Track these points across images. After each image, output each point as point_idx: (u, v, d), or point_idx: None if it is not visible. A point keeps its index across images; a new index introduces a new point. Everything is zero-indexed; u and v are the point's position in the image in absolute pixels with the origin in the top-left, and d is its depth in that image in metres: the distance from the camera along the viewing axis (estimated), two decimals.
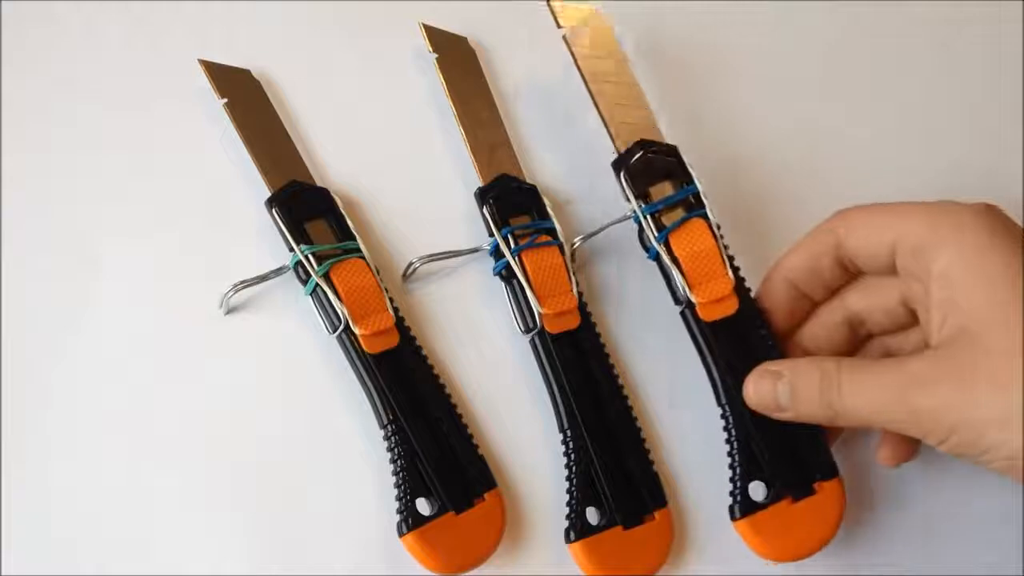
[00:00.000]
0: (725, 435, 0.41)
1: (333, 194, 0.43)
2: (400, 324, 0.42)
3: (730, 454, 0.40)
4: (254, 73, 0.46)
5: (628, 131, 0.43)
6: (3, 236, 0.43)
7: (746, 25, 0.51)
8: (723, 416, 0.41)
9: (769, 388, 0.37)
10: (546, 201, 0.44)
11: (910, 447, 0.40)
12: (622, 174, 0.43)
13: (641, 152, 0.42)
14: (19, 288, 0.43)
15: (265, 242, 0.43)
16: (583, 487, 0.41)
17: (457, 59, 0.47)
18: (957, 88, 0.50)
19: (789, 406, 0.37)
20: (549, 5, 0.44)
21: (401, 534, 0.39)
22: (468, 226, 0.45)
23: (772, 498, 0.40)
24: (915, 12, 0.51)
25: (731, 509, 0.40)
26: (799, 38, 0.51)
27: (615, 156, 0.43)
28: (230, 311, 0.43)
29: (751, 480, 0.40)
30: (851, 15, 0.51)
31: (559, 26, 0.44)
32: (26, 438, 0.41)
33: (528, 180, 0.45)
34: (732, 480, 0.40)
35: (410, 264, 0.43)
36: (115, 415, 0.41)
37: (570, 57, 0.44)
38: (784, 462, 0.40)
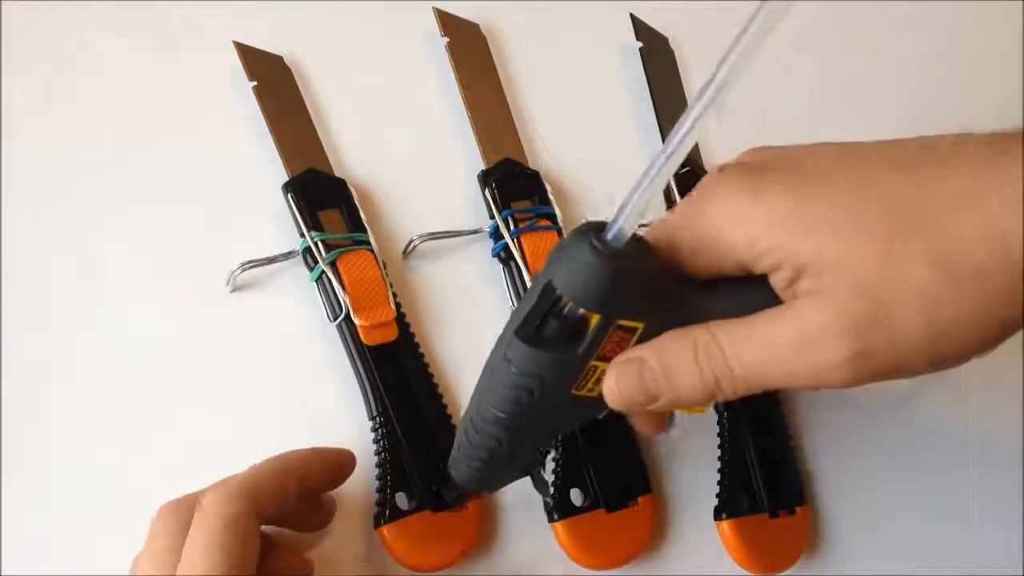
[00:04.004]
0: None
1: (349, 185, 0.44)
2: (400, 320, 0.42)
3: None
4: (287, 60, 0.46)
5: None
6: (17, 204, 0.44)
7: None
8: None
9: (635, 379, 0.30)
10: (548, 187, 0.45)
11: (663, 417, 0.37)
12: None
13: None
14: (28, 255, 0.43)
15: (280, 225, 0.44)
16: (568, 468, 0.42)
17: (468, 44, 0.48)
18: None
19: (664, 391, 0.30)
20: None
21: (377, 525, 0.40)
22: (475, 212, 0.46)
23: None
24: None
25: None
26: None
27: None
28: (236, 289, 0.43)
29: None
30: None
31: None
32: (27, 406, 0.41)
33: (531, 166, 0.46)
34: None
35: (411, 241, 0.44)
36: (113, 387, 0.42)
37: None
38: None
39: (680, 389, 0.30)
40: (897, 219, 0.27)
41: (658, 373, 0.30)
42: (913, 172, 0.27)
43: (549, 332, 0.30)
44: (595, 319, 0.29)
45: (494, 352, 0.32)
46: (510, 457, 0.34)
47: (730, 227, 0.28)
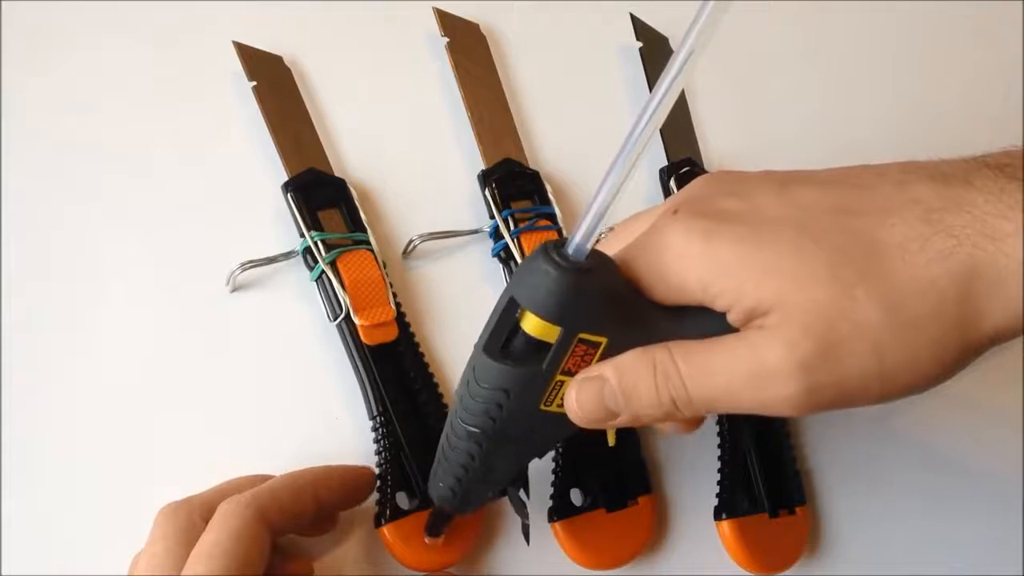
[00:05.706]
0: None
1: (349, 185, 0.44)
2: (400, 320, 0.42)
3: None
4: (287, 60, 0.46)
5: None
6: (17, 205, 0.43)
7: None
8: None
9: (595, 396, 0.31)
10: (548, 187, 0.45)
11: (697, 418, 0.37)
12: (671, 181, 0.46)
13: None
14: (28, 255, 0.43)
15: (280, 225, 0.44)
16: (568, 468, 0.42)
17: (468, 44, 0.48)
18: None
19: (623, 409, 0.31)
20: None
21: (377, 525, 0.40)
22: (475, 212, 0.46)
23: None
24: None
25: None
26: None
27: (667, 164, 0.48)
28: (236, 289, 0.43)
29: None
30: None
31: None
32: (26, 407, 0.41)
33: (531, 166, 0.46)
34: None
35: (411, 241, 0.44)
36: (114, 387, 0.42)
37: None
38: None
39: (638, 408, 0.31)
40: (842, 265, 0.28)
41: (617, 391, 0.31)
42: (856, 218, 0.29)
43: (515, 347, 0.30)
44: (557, 332, 0.29)
45: (466, 368, 0.32)
46: (485, 474, 0.34)
47: (684, 270, 0.30)
